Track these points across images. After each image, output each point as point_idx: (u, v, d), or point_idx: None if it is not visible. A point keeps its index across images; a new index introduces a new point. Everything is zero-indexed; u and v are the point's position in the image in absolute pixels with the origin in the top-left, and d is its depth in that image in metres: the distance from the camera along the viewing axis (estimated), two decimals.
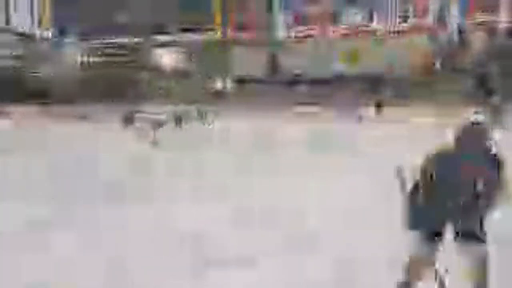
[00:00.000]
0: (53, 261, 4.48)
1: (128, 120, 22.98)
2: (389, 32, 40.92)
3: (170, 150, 13.86)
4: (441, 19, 43.14)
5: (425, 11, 42.61)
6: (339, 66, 39.22)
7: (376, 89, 35.22)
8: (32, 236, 5.26)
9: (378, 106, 29.73)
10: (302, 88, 38.33)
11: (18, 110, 32.89)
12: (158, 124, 17.07)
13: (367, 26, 41.74)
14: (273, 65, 42.45)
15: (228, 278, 4.12)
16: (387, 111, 28.71)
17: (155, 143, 15.05)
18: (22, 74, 39.27)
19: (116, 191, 7.53)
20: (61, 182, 8.71)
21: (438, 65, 38.91)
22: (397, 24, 41.55)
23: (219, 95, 38.98)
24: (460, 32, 42.70)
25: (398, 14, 42.47)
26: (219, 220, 5.77)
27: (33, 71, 40.25)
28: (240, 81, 40.39)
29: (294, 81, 39.44)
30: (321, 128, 21.05)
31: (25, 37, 46.23)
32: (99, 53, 44.72)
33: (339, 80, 37.35)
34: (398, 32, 40.70)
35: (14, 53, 42.72)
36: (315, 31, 42.22)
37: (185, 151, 13.56)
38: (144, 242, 5.05)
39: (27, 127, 24.34)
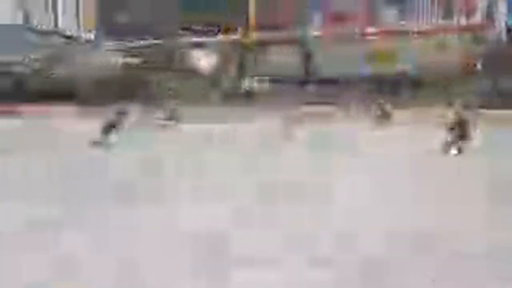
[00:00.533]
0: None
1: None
2: (429, 32, 39.31)
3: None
4: (489, 17, 41.30)
5: (472, 9, 40.84)
6: (375, 66, 38.12)
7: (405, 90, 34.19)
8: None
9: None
10: (336, 88, 37.53)
11: (58, 110, 34.04)
12: None
13: (405, 25, 40.38)
14: (306, 65, 41.91)
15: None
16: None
17: None
18: (64, 76, 40.79)
19: None
20: None
21: (479, 66, 37.04)
22: (438, 23, 39.95)
23: (248, 95, 38.90)
24: (509, 30, 40.72)
25: (439, 13, 40.96)
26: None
27: (74, 72, 41.71)
28: (273, 81, 40.17)
29: (327, 81, 38.69)
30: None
31: (71, 39, 48.24)
32: (138, 54, 45.73)
33: (374, 80, 36.42)
34: (439, 31, 39.05)
35: (59, 55, 44.41)
36: (350, 30, 41.37)
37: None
38: None
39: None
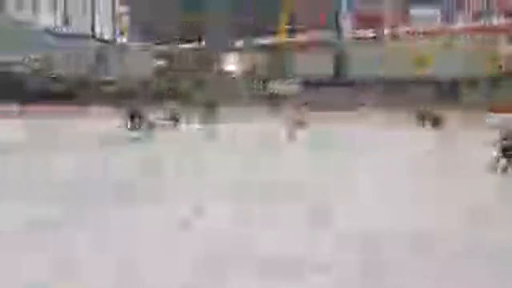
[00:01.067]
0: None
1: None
2: (465, 32, 38.52)
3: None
4: None
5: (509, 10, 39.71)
6: (408, 68, 37.63)
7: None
8: None
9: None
10: (367, 91, 37.34)
11: (95, 111, 34.62)
12: None
13: (440, 26, 39.74)
14: (338, 67, 41.87)
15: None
16: None
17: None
18: (96, 78, 41.78)
19: None
20: None
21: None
22: (475, 24, 39.01)
23: (277, 97, 39.00)
24: None
25: (477, 13, 39.96)
26: None
27: (107, 74, 42.72)
28: (304, 83, 40.28)
29: (359, 83, 38.53)
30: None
31: (106, 43, 49.60)
32: (170, 57, 46.65)
33: (406, 82, 36.03)
34: (474, 31, 38.20)
35: (93, 59, 45.50)
36: (382, 32, 41.12)
37: None
38: None
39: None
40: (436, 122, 25.75)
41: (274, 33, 44.14)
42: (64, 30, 46.53)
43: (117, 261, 4.86)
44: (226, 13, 44.80)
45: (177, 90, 37.89)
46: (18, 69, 38.03)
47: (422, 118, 27.35)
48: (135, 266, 4.76)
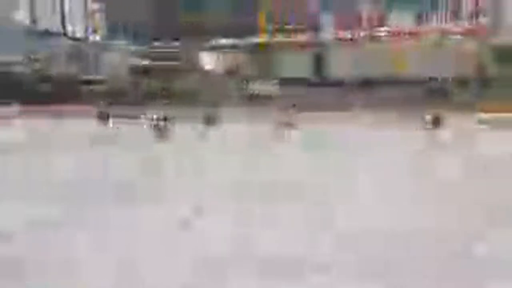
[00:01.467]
0: None
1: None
2: (440, 34, 39.21)
3: None
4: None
5: (479, 12, 40.55)
6: (386, 69, 37.97)
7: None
8: None
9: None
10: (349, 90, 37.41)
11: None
12: None
13: (416, 27, 40.30)
14: (318, 68, 41.84)
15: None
16: None
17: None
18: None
19: None
20: None
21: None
22: (448, 26, 39.75)
23: (257, 97, 38.66)
24: None
25: (450, 15, 40.71)
26: None
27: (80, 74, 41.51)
28: (284, 83, 39.99)
29: (339, 84, 38.57)
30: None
31: (78, 41, 48.02)
32: (147, 56, 45.61)
33: (385, 83, 36.30)
34: (449, 33, 38.94)
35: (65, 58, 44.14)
36: (362, 32, 41.35)
37: None
38: None
39: None
40: (436, 121, 25.34)
41: (253, 32, 43.77)
42: (35, 27, 45.05)
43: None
44: (205, 12, 44.21)
45: (170, 90, 37.23)
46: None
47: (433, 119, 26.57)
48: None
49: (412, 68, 37.01)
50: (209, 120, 22.65)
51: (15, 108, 30.59)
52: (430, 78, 35.62)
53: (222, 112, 24.54)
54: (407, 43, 39.04)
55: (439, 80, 35.83)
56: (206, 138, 20.07)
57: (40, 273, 4.52)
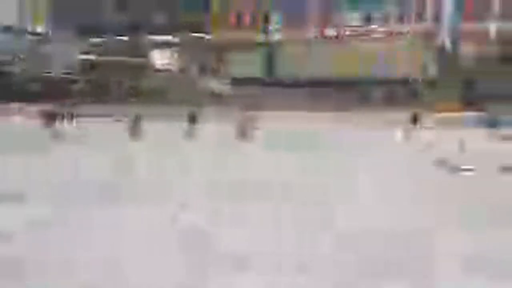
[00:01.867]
0: None
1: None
2: (388, 34, 40.31)
3: None
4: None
5: (422, 14, 41.81)
6: (336, 68, 38.59)
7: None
8: None
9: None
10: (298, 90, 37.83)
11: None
12: None
13: (366, 27, 41.31)
14: (269, 67, 42.14)
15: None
16: None
17: None
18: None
19: None
20: None
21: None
22: (397, 26, 40.86)
23: (212, 96, 38.46)
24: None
25: (398, 15, 41.63)
26: None
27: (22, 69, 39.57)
28: (236, 82, 39.98)
29: (289, 83, 38.93)
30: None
31: (13, 32, 44.56)
32: (95, 51, 43.89)
33: (335, 83, 37.08)
34: (397, 34, 40.10)
35: None
36: (311, 32, 41.96)
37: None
38: None
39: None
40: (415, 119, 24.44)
41: (201, 31, 43.33)
42: None
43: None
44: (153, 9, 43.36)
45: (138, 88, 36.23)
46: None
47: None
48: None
49: (363, 68, 38.01)
50: (193, 119, 22.32)
51: None
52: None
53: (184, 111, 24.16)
54: (356, 43, 39.95)
55: (384, 80, 37.15)
56: (191, 137, 20.10)
57: None
